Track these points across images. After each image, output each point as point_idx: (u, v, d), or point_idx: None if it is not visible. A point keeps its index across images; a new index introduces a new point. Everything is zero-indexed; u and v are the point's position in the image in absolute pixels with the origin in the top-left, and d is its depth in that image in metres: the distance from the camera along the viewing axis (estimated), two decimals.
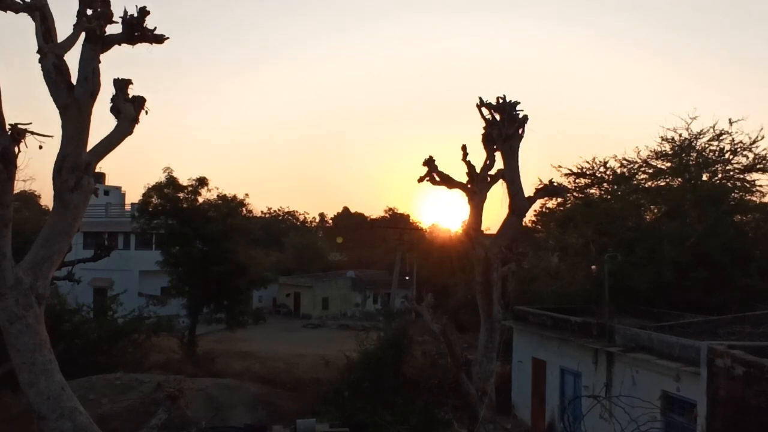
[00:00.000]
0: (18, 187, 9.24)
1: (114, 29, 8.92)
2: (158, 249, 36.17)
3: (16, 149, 8.11)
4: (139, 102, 9.32)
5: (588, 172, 29.05)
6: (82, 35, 8.70)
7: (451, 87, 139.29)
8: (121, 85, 9.24)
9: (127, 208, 48.57)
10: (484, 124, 15.11)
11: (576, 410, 17.60)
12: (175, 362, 28.12)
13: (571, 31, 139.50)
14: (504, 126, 14.79)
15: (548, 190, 15.95)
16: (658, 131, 32.17)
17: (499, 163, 15.24)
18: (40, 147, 8.43)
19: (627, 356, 15.71)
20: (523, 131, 15.04)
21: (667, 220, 25.40)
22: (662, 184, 27.22)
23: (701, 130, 25.93)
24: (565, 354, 19.10)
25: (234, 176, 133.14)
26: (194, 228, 31.80)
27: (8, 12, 8.51)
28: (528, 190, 15.41)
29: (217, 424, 19.20)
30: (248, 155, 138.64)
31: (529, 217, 29.01)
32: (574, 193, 29.22)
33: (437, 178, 15.68)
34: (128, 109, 9.19)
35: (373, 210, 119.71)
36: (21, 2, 8.41)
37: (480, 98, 14.96)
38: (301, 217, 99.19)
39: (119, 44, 9.05)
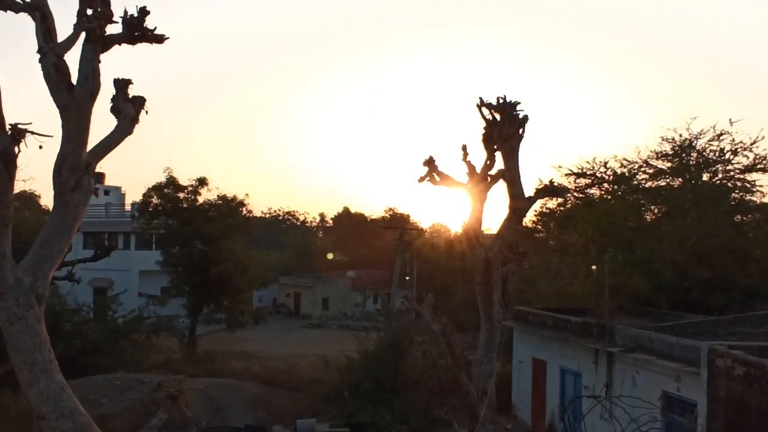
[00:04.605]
0: (18, 187, 9.21)
1: (114, 29, 8.94)
2: (158, 249, 36.21)
3: (16, 149, 8.11)
4: (139, 102, 9.32)
5: (588, 172, 29.07)
6: (82, 35, 8.71)
7: (451, 88, 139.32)
8: (121, 85, 9.25)
9: (127, 208, 48.58)
10: (484, 124, 15.09)
11: (576, 410, 17.60)
12: (175, 362, 28.11)
13: (571, 31, 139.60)
14: (504, 126, 14.77)
15: (549, 190, 15.92)
16: (658, 131, 32.21)
17: (499, 163, 15.22)
18: (40, 147, 8.44)
19: (627, 356, 15.71)
20: (524, 131, 15.01)
21: (668, 220, 25.41)
22: (662, 184, 27.23)
23: (701, 131, 25.94)
24: (565, 354, 19.11)
25: (234, 176, 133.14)
26: (194, 228, 31.82)
27: (8, 12, 8.51)
28: (528, 191, 15.40)
29: (217, 424, 19.19)
30: (248, 155, 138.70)
31: (530, 217, 29.06)
32: (575, 194, 29.24)
33: (437, 179, 15.66)
34: (128, 109, 9.19)
35: (373, 210, 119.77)
36: (21, 2, 8.41)
37: (480, 98, 14.94)
38: (301, 217, 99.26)
39: (119, 44, 9.05)
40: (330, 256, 71.68)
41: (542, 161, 71.06)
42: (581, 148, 51.34)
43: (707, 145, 25.90)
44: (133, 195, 78.75)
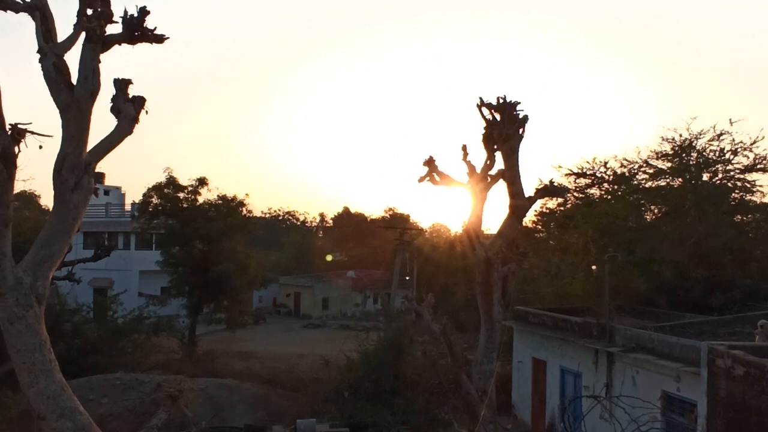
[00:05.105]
0: (18, 187, 9.20)
1: (114, 29, 8.94)
2: (158, 249, 36.19)
3: (16, 149, 8.11)
4: (139, 102, 9.32)
5: (588, 172, 29.10)
6: (82, 35, 8.71)
7: (451, 88, 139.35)
8: (121, 85, 9.25)
9: (127, 208, 48.59)
10: (484, 124, 15.10)
11: (576, 410, 17.60)
12: (175, 362, 28.13)
13: (570, 31, 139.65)
14: (504, 126, 14.77)
15: (549, 190, 15.91)
16: (658, 131, 32.23)
17: (499, 163, 15.23)
18: (40, 147, 8.44)
19: (627, 356, 15.72)
20: (524, 131, 15.02)
21: (668, 220, 25.46)
22: (662, 184, 27.26)
23: (701, 130, 25.97)
24: (565, 354, 19.11)
25: (234, 176, 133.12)
26: (194, 228, 31.81)
27: (8, 12, 8.51)
28: (528, 190, 15.42)
29: (217, 424, 19.18)
30: (249, 155, 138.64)
31: (530, 217, 29.10)
32: (575, 194, 29.27)
33: (437, 179, 15.67)
34: (128, 108, 9.19)
35: (373, 210, 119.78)
36: (21, 2, 8.41)
37: (480, 98, 14.94)
38: (301, 217, 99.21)
39: (119, 44, 9.05)
40: (329, 258, 71.38)
41: (542, 161, 71.15)
42: (581, 148, 51.44)
43: (707, 145, 25.94)
44: (133, 195, 78.81)
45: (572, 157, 50.35)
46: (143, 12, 8.97)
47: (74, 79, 8.58)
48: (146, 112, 9.37)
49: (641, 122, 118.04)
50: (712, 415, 10.58)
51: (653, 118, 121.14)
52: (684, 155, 26.24)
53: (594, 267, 21.65)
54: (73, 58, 8.63)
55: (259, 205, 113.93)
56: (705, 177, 26.12)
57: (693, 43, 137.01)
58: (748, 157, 25.45)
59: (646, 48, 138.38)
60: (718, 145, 25.75)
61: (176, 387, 15.01)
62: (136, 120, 9.25)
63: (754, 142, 25.11)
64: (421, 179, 15.75)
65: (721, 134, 25.53)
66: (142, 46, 9.22)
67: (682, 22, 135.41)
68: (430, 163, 15.63)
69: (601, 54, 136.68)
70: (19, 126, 8.12)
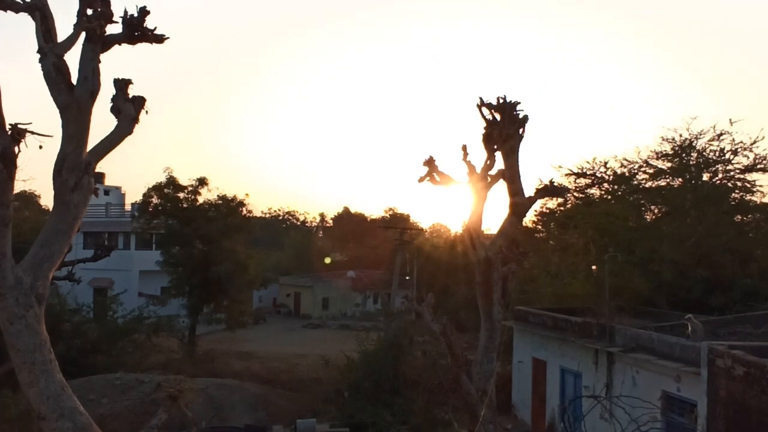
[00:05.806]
0: (18, 187, 9.21)
1: (114, 29, 8.95)
2: (158, 249, 36.21)
3: (16, 149, 8.11)
4: (139, 102, 9.33)
5: (588, 172, 29.11)
6: (82, 35, 8.72)
7: (450, 85, 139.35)
8: (122, 85, 9.25)
9: (127, 208, 48.61)
10: (484, 124, 15.10)
11: (576, 410, 17.60)
12: (175, 362, 28.14)
13: (571, 29, 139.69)
14: (504, 126, 14.77)
15: (549, 190, 15.91)
16: (658, 131, 32.26)
17: (499, 163, 15.23)
18: (40, 147, 8.45)
19: (627, 356, 15.71)
20: (524, 131, 15.02)
21: (668, 220, 25.45)
22: (663, 184, 27.25)
23: (701, 130, 25.96)
24: (565, 354, 19.11)
25: (234, 176, 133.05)
26: (194, 228, 31.83)
27: (8, 12, 8.52)
28: (528, 190, 15.41)
29: (217, 424, 19.21)
30: (249, 155, 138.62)
31: (530, 217, 29.09)
32: (575, 194, 29.27)
33: (437, 178, 15.67)
34: (128, 108, 9.19)
35: (373, 210, 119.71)
36: (21, 2, 8.42)
37: (480, 98, 14.94)
38: (301, 217, 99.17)
39: (119, 44, 9.06)
40: (327, 260, 71.20)
41: (542, 161, 71.14)
42: (581, 148, 51.47)
43: (707, 145, 25.93)
44: (133, 195, 78.80)
45: (572, 157, 50.34)
46: (143, 12, 8.98)
47: (74, 79, 8.58)
48: (146, 112, 9.40)
49: (641, 122, 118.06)
50: (712, 415, 10.59)
51: (653, 118, 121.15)
52: (684, 155, 26.23)
53: (594, 267, 21.64)
54: (73, 58, 8.65)
55: (259, 205, 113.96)
56: (705, 177, 26.11)
57: (693, 42, 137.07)
58: (748, 157, 25.45)
59: (647, 47, 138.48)
60: (718, 145, 25.74)
61: (176, 387, 15.02)
62: (136, 120, 9.26)
63: (754, 142, 25.12)
64: (421, 179, 15.75)
65: (721, 134, 25.52)
66: (142, 46, 9.24)
67: (682, 21, 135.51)
68: (430, 163, 15.64)
69: (601, 53, 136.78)
70: (19, 126, 8.13)
